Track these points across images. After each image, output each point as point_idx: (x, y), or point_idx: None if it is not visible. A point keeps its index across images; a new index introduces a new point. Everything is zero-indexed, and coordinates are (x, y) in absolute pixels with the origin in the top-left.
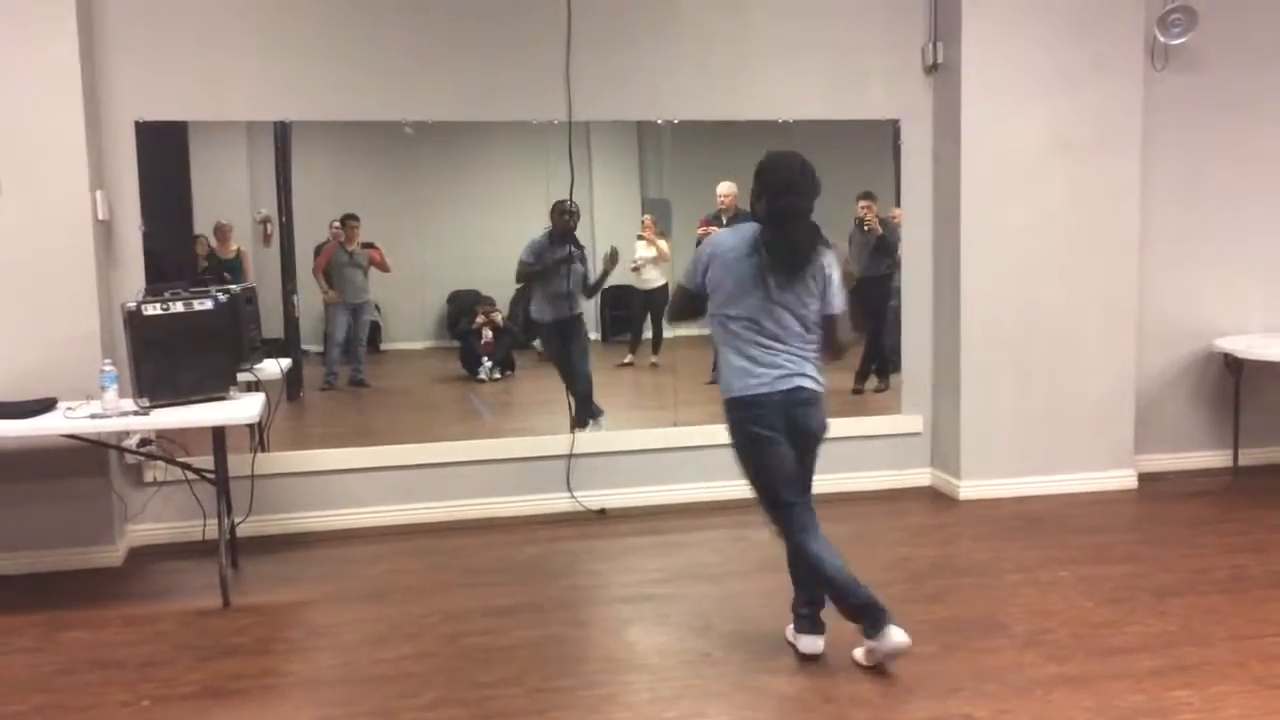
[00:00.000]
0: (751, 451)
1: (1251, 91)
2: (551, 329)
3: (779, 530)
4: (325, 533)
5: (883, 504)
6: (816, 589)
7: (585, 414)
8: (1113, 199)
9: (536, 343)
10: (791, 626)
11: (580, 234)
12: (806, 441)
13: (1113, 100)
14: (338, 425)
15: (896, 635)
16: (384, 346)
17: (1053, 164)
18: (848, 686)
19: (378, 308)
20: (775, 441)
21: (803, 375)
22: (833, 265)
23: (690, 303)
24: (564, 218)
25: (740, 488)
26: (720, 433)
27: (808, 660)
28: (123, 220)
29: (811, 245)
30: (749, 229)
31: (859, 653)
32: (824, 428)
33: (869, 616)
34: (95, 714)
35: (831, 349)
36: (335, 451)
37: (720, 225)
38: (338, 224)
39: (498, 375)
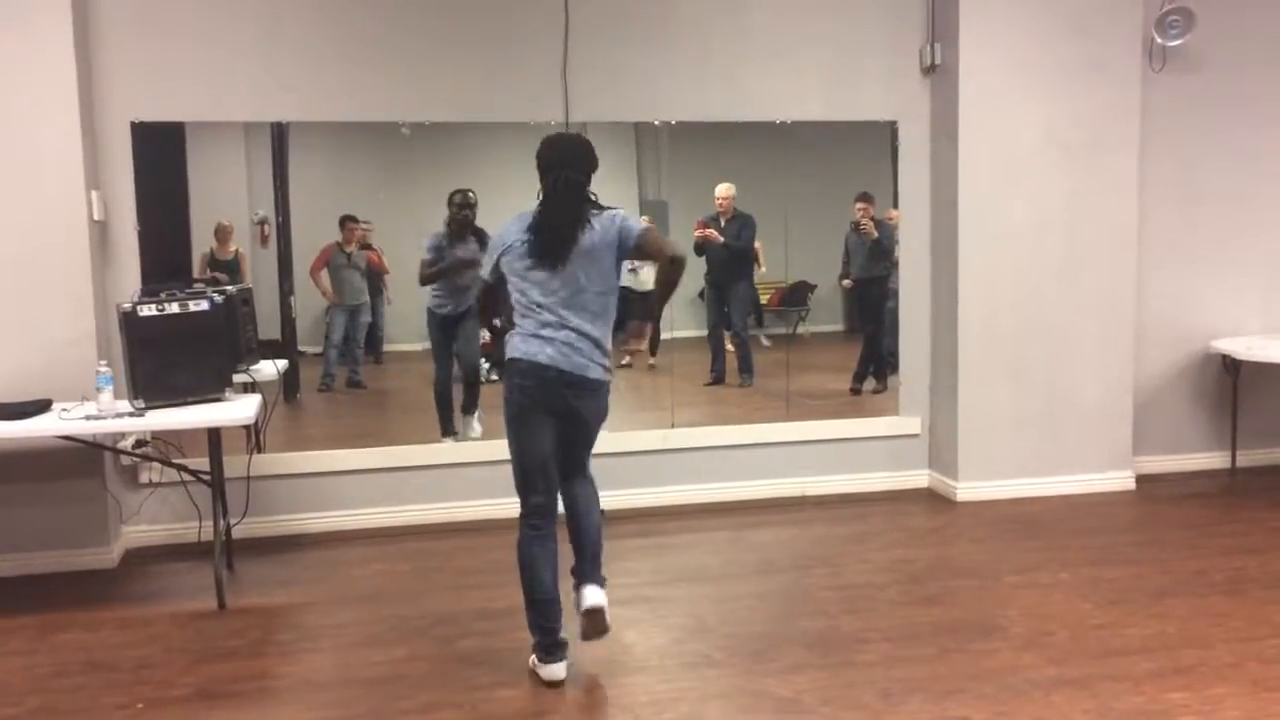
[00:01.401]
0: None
1: (1249, 92)
2: (445, 321)
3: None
4: (321, 535)
5: (880, 505)
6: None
7: (456, 419)
8: (1110, 200)
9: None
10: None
11: None
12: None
13: (1110, 101)
14: (334, 427)
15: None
16: (382, 348)
17: (1050, 165)
18: (846, 689)
19: (373, 307)
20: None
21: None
22: (621, 218)
23: (487, 293)
24: (459, 210)
25: (739, 489)
26: (718, 434)
27: (801, 666)
28: (119, 221)
29: (575, 222)
30: (529, 212)
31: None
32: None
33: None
34: (89, 717)
35: (665, 256)
36: (331, 453)
37: (719, 226)
38: (367, 224)
39: (494, 376)
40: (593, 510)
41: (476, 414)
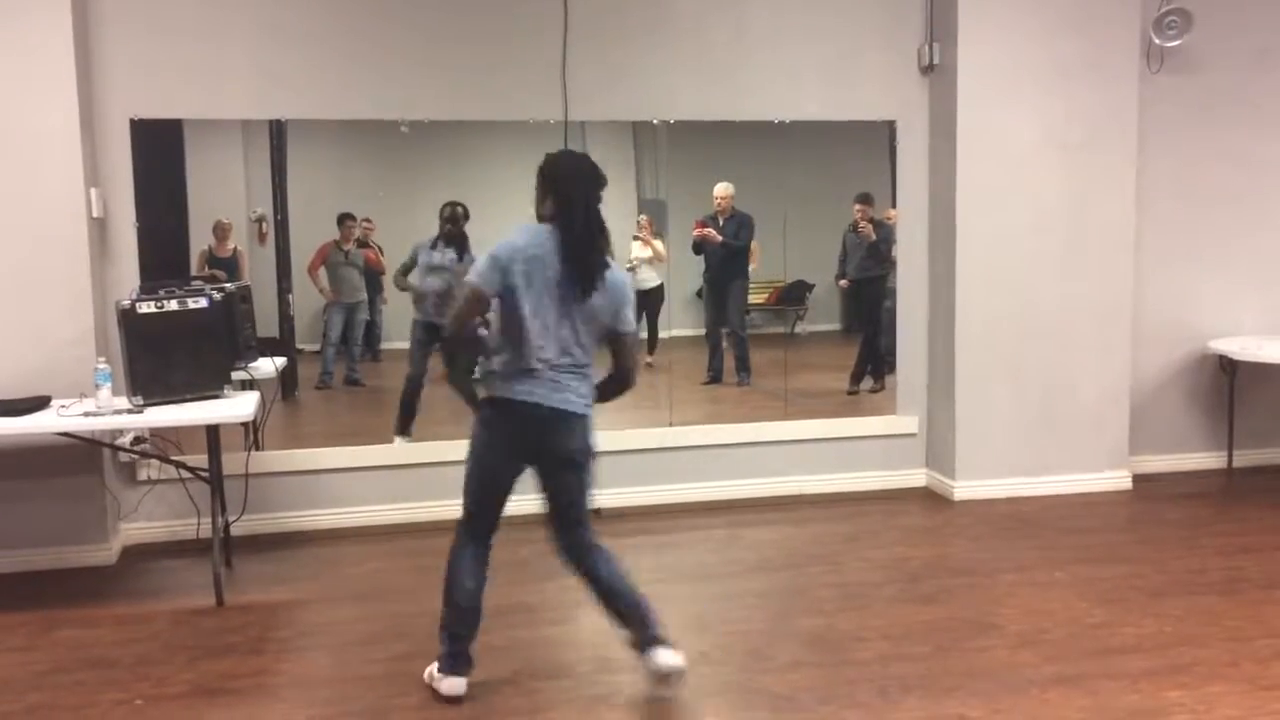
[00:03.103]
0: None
1: (1246, 93)
2: (426, 327)
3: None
4: (319, 532)
5: (878, 504)
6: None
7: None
8: (1108, 200)
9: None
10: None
11: None
12: (556, 464)
13: (1108, 101)
14: (332, 424)
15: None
16: (380, 346)
17: (1048, 165)
18: (843, 687)
19: (372, 305)
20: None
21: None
22: (625, 280)
23: (479, 304)
24: (444, 224)
25: (737, 488)
26: (715, 433)
27: (798, 664)
28: (117, 218)
29: (603, 250)
30: (542, 229)
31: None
32: (585, 451)
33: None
34: (88, 713)
35: (627, 375)
36: (330, 451)
37: (717, 226)
38: (368, 222)
39: None
40: (624, 575)
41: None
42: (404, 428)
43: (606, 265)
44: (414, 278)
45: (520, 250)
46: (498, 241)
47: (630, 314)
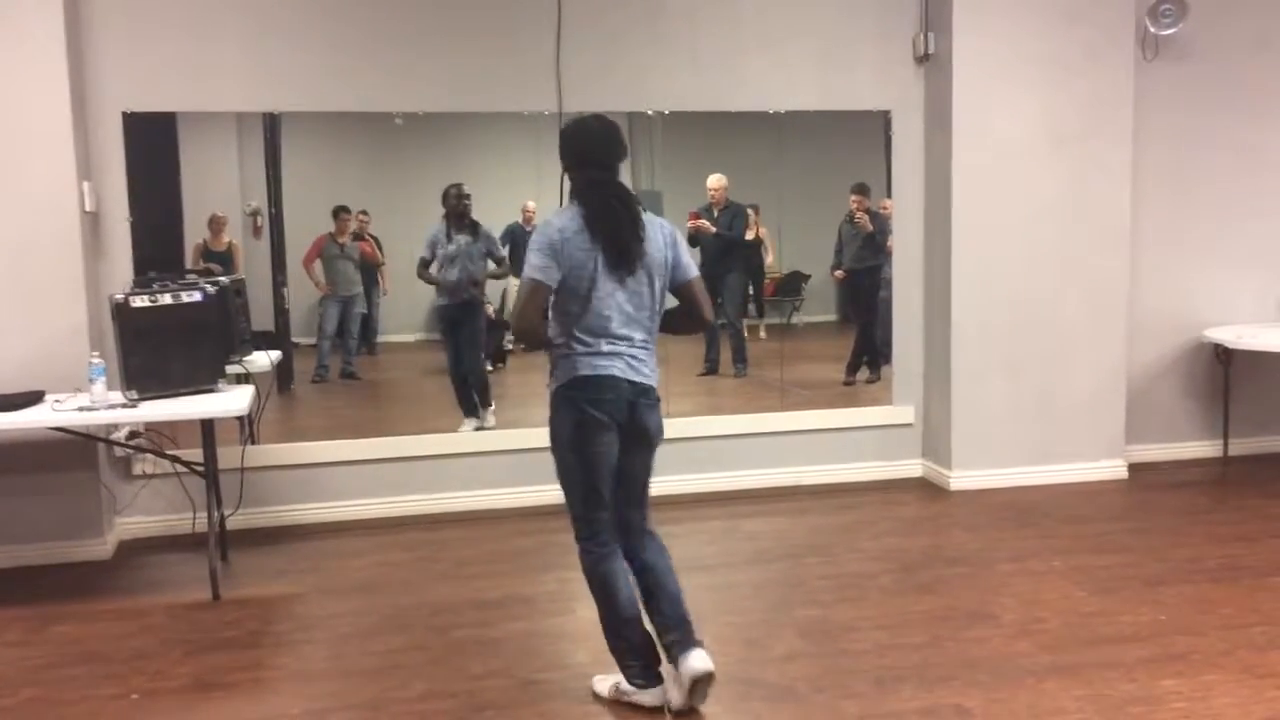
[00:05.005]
0: (580, 440)
1: (1241, 81)
2: (442, 314)
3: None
4: (315, 525)
5: (874, 494)
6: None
7: (478, 405)
8: (1104, 189)
9: None
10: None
11: None
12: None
13: (1103, 91)
14: (328, 418)
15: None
16: (377, 339)
17: (1043, 154)
18: (839, 677)
19: (368, 298)
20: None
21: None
22: (672, 232)
23: (545, 300)
24: (458, 202)
25: (734, 479)
26: (712, 424)
27: (795, 654)
28: (110, 212)
29: (635, 225)
30: (573, 209)
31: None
32: (660, 429)
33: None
34: (85, 708)
35: (699, 318)
36: (325, 444)
37: (711, 217)
38: (364, 215)
39: (489, 367)
40: (673, 574)
41: (490, 408)
42: (468, 409)
43: (642, 240)
44: (433, 268)
45: (556, 235)
46: (539, 228)
47: (688, 258)
